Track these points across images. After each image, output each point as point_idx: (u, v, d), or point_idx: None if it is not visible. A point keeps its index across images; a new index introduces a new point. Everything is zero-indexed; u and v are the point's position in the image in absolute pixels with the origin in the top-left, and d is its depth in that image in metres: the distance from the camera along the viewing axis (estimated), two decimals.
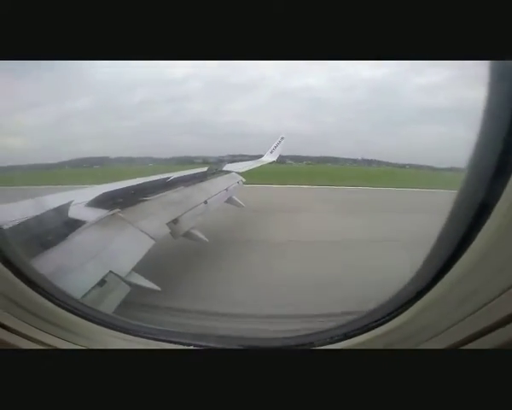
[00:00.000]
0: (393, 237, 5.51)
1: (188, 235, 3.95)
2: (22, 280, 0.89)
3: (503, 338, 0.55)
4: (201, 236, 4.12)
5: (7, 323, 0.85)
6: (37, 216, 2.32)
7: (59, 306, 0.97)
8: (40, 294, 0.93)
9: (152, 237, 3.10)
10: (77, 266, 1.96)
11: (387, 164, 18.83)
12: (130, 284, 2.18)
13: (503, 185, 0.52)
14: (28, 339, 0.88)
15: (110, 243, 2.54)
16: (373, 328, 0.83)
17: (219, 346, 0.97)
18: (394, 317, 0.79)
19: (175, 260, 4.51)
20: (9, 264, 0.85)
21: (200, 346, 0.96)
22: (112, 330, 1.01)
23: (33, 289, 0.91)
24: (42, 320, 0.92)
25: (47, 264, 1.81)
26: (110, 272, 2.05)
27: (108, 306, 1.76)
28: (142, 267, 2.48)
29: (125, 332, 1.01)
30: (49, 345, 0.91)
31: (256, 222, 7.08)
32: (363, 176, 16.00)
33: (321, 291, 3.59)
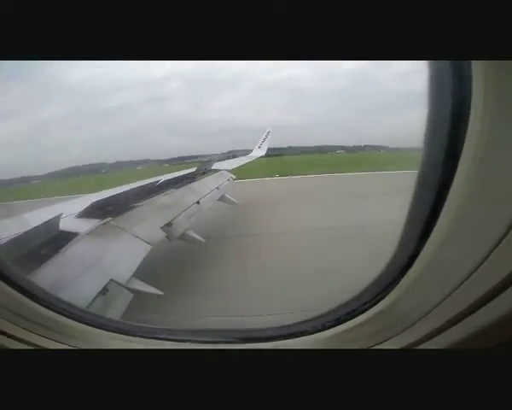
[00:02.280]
0: None
1: (183, 237, 3.89)
2: (18, 290, 0.89)
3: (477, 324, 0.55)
4: (197, 236, 4.06)
5: (7, 330, 0.87)
6: (25, 232, 2.20)
7: (54, 311, 0.97)
8: (36, 302, 0.94)
9: (148, 243, 3.03)
10: (75, 278, 1.88)
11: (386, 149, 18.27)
12: (132, 290, 2.12)
13: (456, 163, 0.51)
14: (27, 343, 0.90)
15: (106, 252, 2.45)
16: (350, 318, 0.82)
17: (214, 339, 0.97)
18: (374, 304, 0.77)
19: (174, 263, 4.44)
20: (4, 277, 0.86)
21: (195, 341, 0.97)
22: (107, 332, 1.01)
23: (29, 298, 0.92)
24: (39, 326, 0.93)
25: (43, 278, 1.73)
26: (111, 280, 1.98)
27: (114, 313, 1.71)
28: (142, 273, 2.42)
29: (120, 333, 1.01)
30: (45, 348, 0.92)
31: (249, 217, 7.07)
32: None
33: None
